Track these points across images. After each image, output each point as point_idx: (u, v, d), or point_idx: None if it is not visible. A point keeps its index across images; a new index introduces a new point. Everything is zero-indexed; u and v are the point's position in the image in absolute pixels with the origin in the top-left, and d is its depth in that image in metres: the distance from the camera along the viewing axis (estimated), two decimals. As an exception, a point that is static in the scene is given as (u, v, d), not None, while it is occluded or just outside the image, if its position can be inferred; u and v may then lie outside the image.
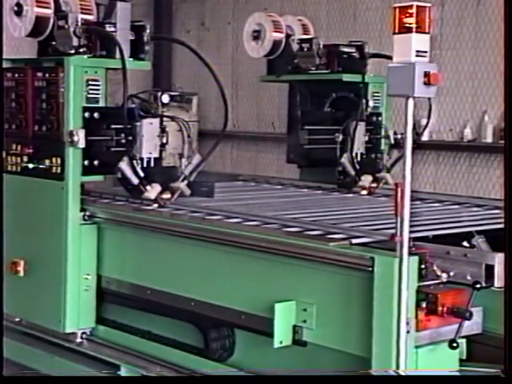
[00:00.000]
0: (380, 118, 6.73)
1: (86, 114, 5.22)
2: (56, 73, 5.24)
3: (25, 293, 5.42)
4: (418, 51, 3.76)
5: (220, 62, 10.18)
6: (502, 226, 3.66)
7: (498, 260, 3.81)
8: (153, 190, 5.23)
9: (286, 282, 4.38)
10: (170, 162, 5.39)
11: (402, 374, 3.77)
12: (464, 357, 4.16)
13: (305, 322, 4.25)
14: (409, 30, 3.77)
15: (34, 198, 5.43)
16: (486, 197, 7.21)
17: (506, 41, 3.61)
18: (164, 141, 5.31)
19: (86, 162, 5.24)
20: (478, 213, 5.46)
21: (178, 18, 11.46)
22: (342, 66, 6.64)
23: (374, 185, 6.47)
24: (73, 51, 5.23)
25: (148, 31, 5.39)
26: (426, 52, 3.79)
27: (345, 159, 6.47)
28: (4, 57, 5.04)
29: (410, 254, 3.80)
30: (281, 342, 4.26)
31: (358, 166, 6.49)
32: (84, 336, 5.37)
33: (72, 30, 5.21)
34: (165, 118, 5.34)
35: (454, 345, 3.93)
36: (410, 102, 3.78)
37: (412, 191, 3.80)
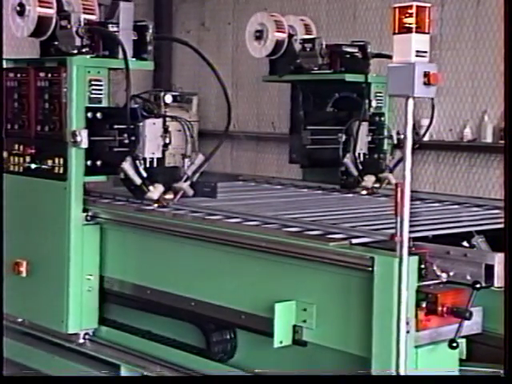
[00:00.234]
0: (383, 118, 6.74)
1: (89, 114, 5.22)
2: (59, 73, 5.24)
3: (27, 293, 5.41)
4: (417, 51, 3.76)
5: (220, 62, 10.15)
6: (501, 225, 3.68)
7: (498, 260, 3.81)
8: (156, 191, 5.22)
9: (286, 281, 4.38)
10: (170, 162, 5.38)
11: (402, 373, 3.78)
12: (464, 357, 4.17)
13: (305, 321, 4.25)
14: (409, 30, 3.77)
15: (36, 199, 5.43)
16: (486, 197, 7.22)
17: (506, 41, 3.62)
18: (167, 141, 5.31)
19: (88, 163, 5.24)
20: (477, 213, 5.47)
21: (178, 19, 11.46)
22: (344, 66, 6.64)
23: (377, 185, 6.48)
24: (75, 51, 5.23)
25: (151, 31, 5.39)
26: (425, 52, 3.79)
27: (347, 159, 6.47)
28: (4, 57, 5.06)
29: (410, 253, 3.80)
30: (281, 342, 4.26)
31: (360, 167, 6.48)
32: (87, 337, 5.37)
33: (74, 29, 5.21)
34: (167, 118, 5.35)
35: (454, 345, 3.93)
36: (410, 102, 3.79)
37: (412, 191, 3.80)
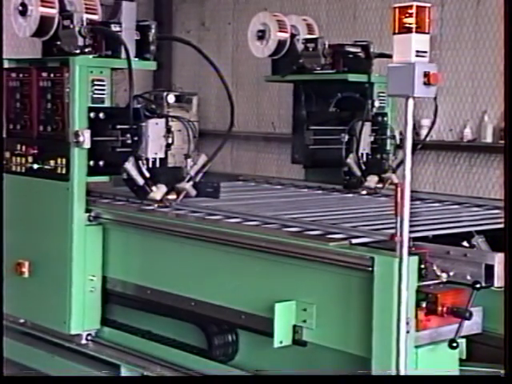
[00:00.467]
0: (386, 118, 6.74)
1: (92, 115, 5.21)
2: (61, 73, 5.24)
3: (29, 294, 5.41)
4: (417, 51, 3.77)
5: (220, 62, 10.13)
6: (501, 225, 3.69)
7: (498, 260, 3.83)
8: (158, 191, 5.21)
9: (286, 281, 4.39)
10: (171, 162, 5.37)
11: (402, 373, 3.79)
12: (464, 357, 4.18)
13: (305, 321, 4.26)
14: (409, 30, 3.77)
15: (38, 199, 5.42)
16: (486, 197, 7.23)
17: (506, 41, 3.64)
18: (170, 141, 5.30)
19: (91, 163, 5.23)
20: (477, 213, 5.48)
21: (178, 18, 11.45)
22: (347, 65, 6.65)
23: (380, 185, 6.48)
24: (78, 51, 5.23)
25: (153, 31, 5.38)
26: (425, 52, 3.79)
27: (350, 159, 6.48)
28: (4, 56, 5.07)
29: (410, 253, 3.81)
30: (281, 342, 4.27)
31: (363, 167, 6.49)
32: (89, 338, 5.36)
33: (77, 29, 5.22)
34: (169, 118, 5.34)
35: (454, 345, 3.95)
36: (410, 102, 3.79)
37: (412, 191, 3.81)
